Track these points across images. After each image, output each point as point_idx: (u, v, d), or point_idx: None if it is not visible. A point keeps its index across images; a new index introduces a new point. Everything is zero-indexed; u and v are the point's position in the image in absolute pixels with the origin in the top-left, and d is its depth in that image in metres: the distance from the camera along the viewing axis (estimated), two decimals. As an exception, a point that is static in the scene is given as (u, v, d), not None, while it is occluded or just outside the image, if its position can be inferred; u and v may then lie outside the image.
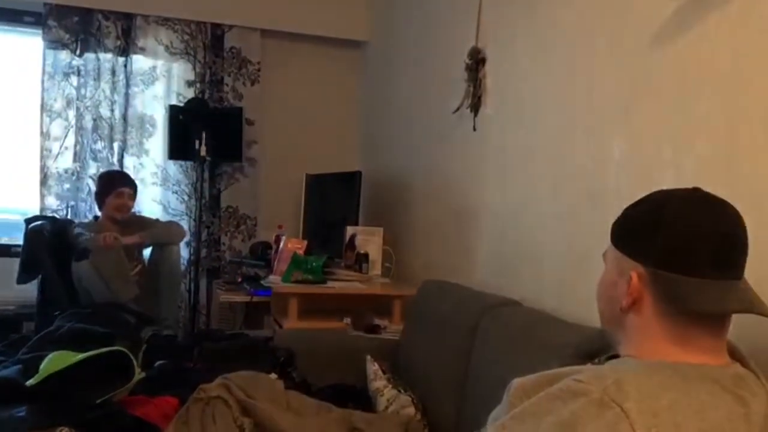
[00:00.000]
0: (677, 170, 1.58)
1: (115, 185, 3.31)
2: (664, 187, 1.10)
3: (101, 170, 3.74)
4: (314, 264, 3.03)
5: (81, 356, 1.98)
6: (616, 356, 1.12)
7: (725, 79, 1.46)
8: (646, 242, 1.01)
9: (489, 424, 1.06)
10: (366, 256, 3.21)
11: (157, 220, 3.56)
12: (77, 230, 3.19)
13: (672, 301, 0.98)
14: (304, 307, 2.92)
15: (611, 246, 1.09)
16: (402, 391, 2.17)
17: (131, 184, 3.39)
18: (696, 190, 1.03)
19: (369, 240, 3.28)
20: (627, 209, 1.09)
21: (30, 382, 1.92)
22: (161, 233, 3.34)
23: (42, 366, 1.96)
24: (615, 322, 1.07)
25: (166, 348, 2.52)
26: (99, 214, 3.41)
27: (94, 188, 3.67)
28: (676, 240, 0.98)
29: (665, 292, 0.98)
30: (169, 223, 3.56)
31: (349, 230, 3.28)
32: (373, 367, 2.31)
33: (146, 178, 3.89)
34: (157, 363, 2.28)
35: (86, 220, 3.52)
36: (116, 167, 3.79)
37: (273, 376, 2.20)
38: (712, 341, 0.99)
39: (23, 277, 3.18)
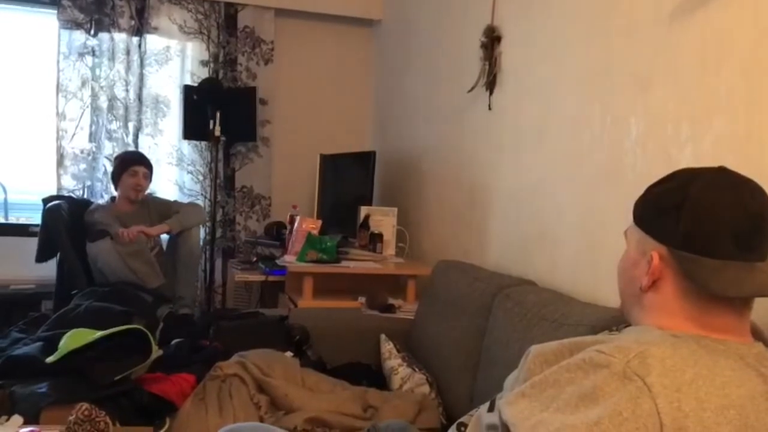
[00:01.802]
0: (695, 148, 1.56)
1: (129, 164, 3.32)
2: (682, 166, 1.09)
3: (116, 150, 3.76)
4: (328, 244, 3.04)
5: (99, 334, 2.01)
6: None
7: (746, 56, 1.43)
8: (668, 223, 0.99)
9: (506, 390, 1.06)
10: (380, 236, 3.22)
11: (175, 202, 3.55)
12: (97, 216, 3.19)
13: (693, 282, 0.97)
14: (319, 286, 2.94)
15: (633, 224, 1.08)
16: (416, 369, 2.18)
17: (146, 164, 3.38)
18: (722, 170, 1.01)
19: (383, 220, 3.29)
20: (650, 188, 1.07)
21: (50, 359, 1.95)
22: (185, 218, 3.31)
23: (61, 343, 2.00)
24: (634, 301, 1.07)
25: (183, 326, 2.54)
26: (116, 194, 3.43)
27: (110, 168, 3.69)
28: (699, 221, 0.96)
29: (686, 273, 0.97)
30: (190, 205, 3.53)
31: (363, 210, 3.28)
32: (387, 346, 2.32)
33: (161, 159, 3.90)
34: (174, 341, 2.30)
35: (102, 201, 3.55)
36: (131, 147, 3.81)
37: (288, 354, 2.22)
38: (735, 321, 0.99)
39: (42, 256, 3.22)
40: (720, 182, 0.99)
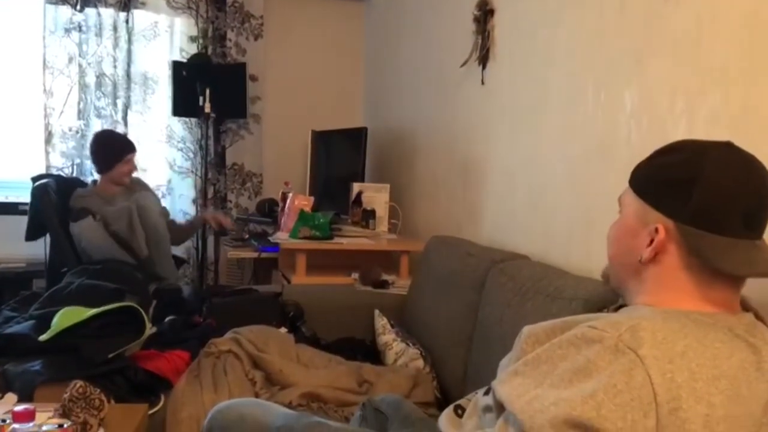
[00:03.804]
0: (690, 121, 1.56)
1: (125, 152, 3.20)
2: (676, 139, 1.08)
3: (103, 129, 3.68)
4: (321, 220, 3.03)
5: (92, 312, 2.00)
6: (624, 306, 1.12)
7: (741, 28, 1.42)
8: (678, 197, 0.97)
9: (500, 372, 1.06)
10: (372, 212, 3.22)
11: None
12: (85, 203, 3.11)
13: (699, 258, 0.96)
14: (312, 263, 2.94)
15: (633, 193, 1.06)
16: (410, 344, 2.19)
17: (135, 149, 3.28)
18: (730, 146, 1.00)
19: (375, 196, 3.28)
20: (655, 158, 1.05)
21: (43, 337, 1.95)
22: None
23: (54, 321, 1.99)
24: (630, 272, 1.06)
25: (176, 303, 2.54)
26: (97, 177, 3.30)
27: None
28: (712, 198, 0.95)
29: (694, 249, 0.97)
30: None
31: (356, 187, 3.27)
32: (381, 322, 2.33)
33: (151, 136, 3.87)
34: (168, 318, 2.30)
35: (87, 187, 3.43)
36: (120, 125, 3.77)
37: (283, 330, 2.22)
38: (730, 295, 0.99)
39: (31, 235, 3.19)
40: (732, 159, 0.98)
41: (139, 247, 3.01)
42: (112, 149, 3.25)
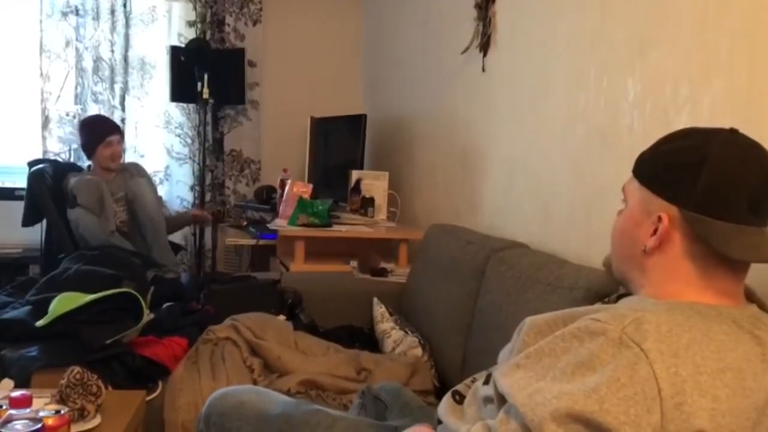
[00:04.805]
0: (693, 109, 1.54)
1: (104, 134, 3.15)
2: (680, 127, 1.07)
3: (103, 113, 3.68)
4: (320, 208, 3.02)
5: (90, 297, 1.99)
6: (626, 295, 1.11)
7: (747, 12, 1.41)
8: (683, 182, 0.96)
9: (500, 362, 1.05)
10: (371, 200, 3.20)
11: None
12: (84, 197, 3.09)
13: (705, 244, 0.95)
14: (310, 250, 2.93)
15: (636, 183, 1.04)
16: (409, 332, 2.18)
17: (118, 130, 3.26)
18: (735, 132, 0.99)
19: (374, 184, 3.26)
20: (660, 146, 1.04)
21: (40, 322, 1.93)
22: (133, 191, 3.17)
23: (51, 307, 1.97)
24: (633, 263, 1.04)
25: (173, 290, 2.53)
26: (89, 163, 3.26)
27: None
28: (719, 182, 0.94)
29: (699, 236, 0.95)
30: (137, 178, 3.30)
31: (355, 174, 3.25)
32: (380, 309, 2.33)
33: (148, 121, 3.84)
34: (166, 304, 2.29)
35: (83, 173, 3.42)
36: (118, 110, 3.75)
37: (281, 317, 2.22)
38: (733, 284, 0.98)
39: (28, 220, 3.18)
40: (738, 144, 0.97)
41: (106, 221, 2.97)
42: (91, 133, 3.20)
